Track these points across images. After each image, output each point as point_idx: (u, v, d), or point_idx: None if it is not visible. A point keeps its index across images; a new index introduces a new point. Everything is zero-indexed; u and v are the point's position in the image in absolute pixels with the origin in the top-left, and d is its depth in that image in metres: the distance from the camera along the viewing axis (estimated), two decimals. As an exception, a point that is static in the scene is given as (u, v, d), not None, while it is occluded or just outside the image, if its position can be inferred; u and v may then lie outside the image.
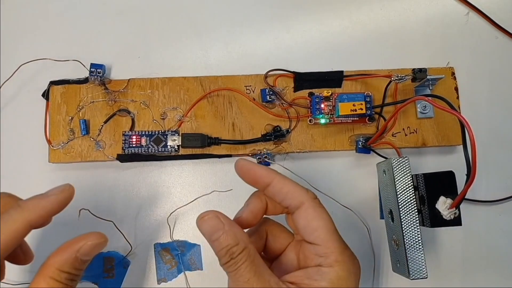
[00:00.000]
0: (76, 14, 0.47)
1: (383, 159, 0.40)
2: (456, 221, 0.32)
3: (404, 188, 0.34)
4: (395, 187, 0.34)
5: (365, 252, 0.43)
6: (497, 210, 0.45)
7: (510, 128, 0.46)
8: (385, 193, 0.38)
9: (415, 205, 0.34)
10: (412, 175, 0.36)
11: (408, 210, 0.34)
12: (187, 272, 0.42)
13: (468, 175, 0.30)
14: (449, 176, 0.34)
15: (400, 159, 0.35)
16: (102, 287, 0.41)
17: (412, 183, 0.34)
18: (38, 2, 0.47)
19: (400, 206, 0.34)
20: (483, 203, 0.44)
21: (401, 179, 0.34)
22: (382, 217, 0.43)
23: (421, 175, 0.35)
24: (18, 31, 0.46)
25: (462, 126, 0.31)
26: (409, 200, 0.34)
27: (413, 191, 0.34)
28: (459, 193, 0.31)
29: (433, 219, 0.33)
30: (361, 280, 0.42)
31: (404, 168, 0.35)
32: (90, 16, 0.47)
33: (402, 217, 0.34)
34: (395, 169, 0.35)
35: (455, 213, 0.32)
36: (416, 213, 0.34)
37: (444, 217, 0.32)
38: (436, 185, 0.34)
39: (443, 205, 0.32)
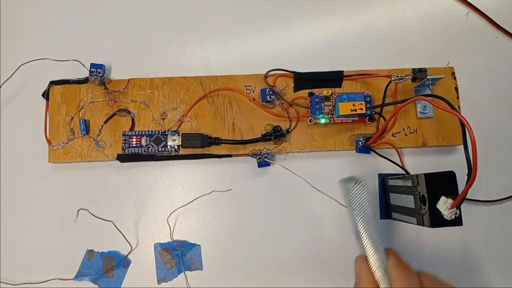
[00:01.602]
0: (76, 14, 0.47)
1: (348, 176, 0.42)
2: (457, 221, 0.32)
3: (361, 210, 0.37)
4: (353, 212, 0.38)
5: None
6: (497, 210, 0.45)
7: (510, 128, 0.46)
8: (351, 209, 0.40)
9: (375, 226, 0.37)
10: (413, 175, 0.36)
11: (367, 229, 0.37)
12: (187, 272, 0.42)
13: (469, 175, 0.30)
14: (450, 176, 0.34)
15: (356, 185, 0.38)
16: (102, 287, 0.41)
17: (369, 205, 0.37)
18: (38, 2, 0.47)
19: (362, 229, 0.37)
20: (483, 203, 0.44)
21: (359, 203, 0.38)
22: (382, 217, 0.43)
23: (422, 175, 0.35)
24: (18, 31, 0.46)
25: (463, 126, 0.31)
26: (368, 221, 0.37)
27: (370, 213, 0.37)
28: (459, 193, 0.31)
29: (434, 219, 0.33)
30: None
31: (361, 193, 0.38)
32: (90, 16, 0.47)
33: (362, 236, 0.37)
34: (351, 195, 0.38)
35: (455, 213, 0.32)
36: (377, 234, 0.36)
37: (445, 217, 0.32)
38: (436, 185, 0.34)
39: (444, 205, 0.32)
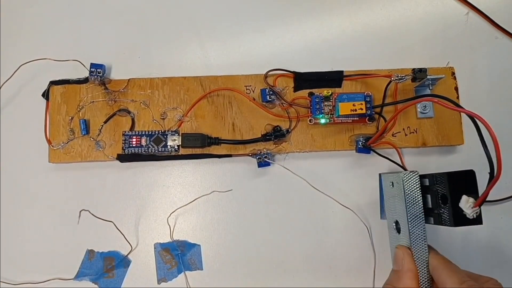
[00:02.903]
0: (76, 14, 0.47)
1: (388, 171, 0.41)
2: (478, 220, 0.32)
3: (414, 202, 0.35)
4: (405, 202, 0.35)
5: (365, 252, 0.43)
6: (497, 210, 0.45)
7: (510, 128, 0.46)
8: (391, 204, 0.38)
9: (423, 219, 0.35)
10: (432, 174, 0.36)
11: (417, 224, 0.35)
12: (187, 272, 0.42)
13: (491, 173, 0.30)
14: (470, 175, 0.34)
15: (411, 173, 0.36)
16: (102, 287, 0.41)
17: (421, 197, 0.35)
18: (38, 2, 0.47)
19: (409, 220, 0.35)
20: (483, 202, 0.44)
21: (411, 193, 0.35)
22: (382, 217, 0.43)
23: (444, 174, 0.34)
24: (18, 31, 0.46)
25: (475, 123, 0.31)
26: (418, 214, 0.35)
27: (422, 205, 0.35)
28: (479, 192, 0.31)
29: (456, 218, 0.33)
30: (362, 280, 0.43)
31: (414, 183, 0.35)
32: (90, 16, 0.47)
33: (411, 231, 0.35)
34: (406, 183, 0.35)
35: (477, 212, 0.32)
36: (424, 227, 0.35)
37: (467, 216, 0.32)
38: (457, 184, 0.34)
39: (466, 203, 0.32)
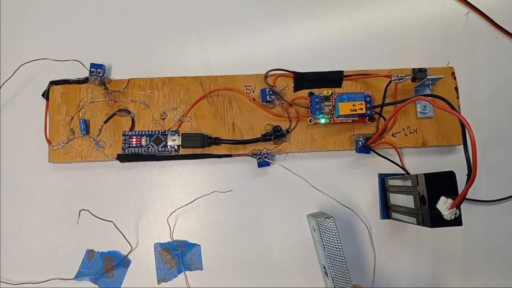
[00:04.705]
0: (76, 14, 0.47)
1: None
2: (457, 221, 0.32)
3: (333, 247, 0.36)
4: (324, 247, 0.36)
5: (365, 252, 0.43)
6: (497, 210, 0.45)
7: (510, 128, 0.46)
8: (317, 249, 0.39)
9: (345, 263, 0.36)
10: (413, 175, 0.36)
11: (339, 269, 0.36)
12: (187, 272, 0.42)
13: (468, 175, 0.30)
14: (450, 176, 0.34)
15: (326, 220, 0.37)
16: (103, 287, 0.41)
17: (339, 242, 0.36)
18: (38, 2, 0.47)
19: (331, 266, 0.36)
20: (483, 202, 0.44)
21: (328, 238, 0.37)
22: (382, 217, 0.43)
23: (421, 175, 0.35)
24: (18, 31, 0.46)
25: (463, 126, 0.31)
26: (339, 259, 0.36)
27: (341, 250, 0.36)
28: (459, 193, 0.31)
29: (434, 219, 0.33)
30: (362, 280, 0.43)
31: (331, 227, 0.37)
32: (90, 16, 0.47)
33: (333, 276, 0.36)
34: (322, 230, 0.37)
35: (455, 213, 0.32)
36: (347, 271, 0.36)
37: (444, 217, 0.32)
38: (437, 185, 0.34)
39: (443, 205, 0.32)
